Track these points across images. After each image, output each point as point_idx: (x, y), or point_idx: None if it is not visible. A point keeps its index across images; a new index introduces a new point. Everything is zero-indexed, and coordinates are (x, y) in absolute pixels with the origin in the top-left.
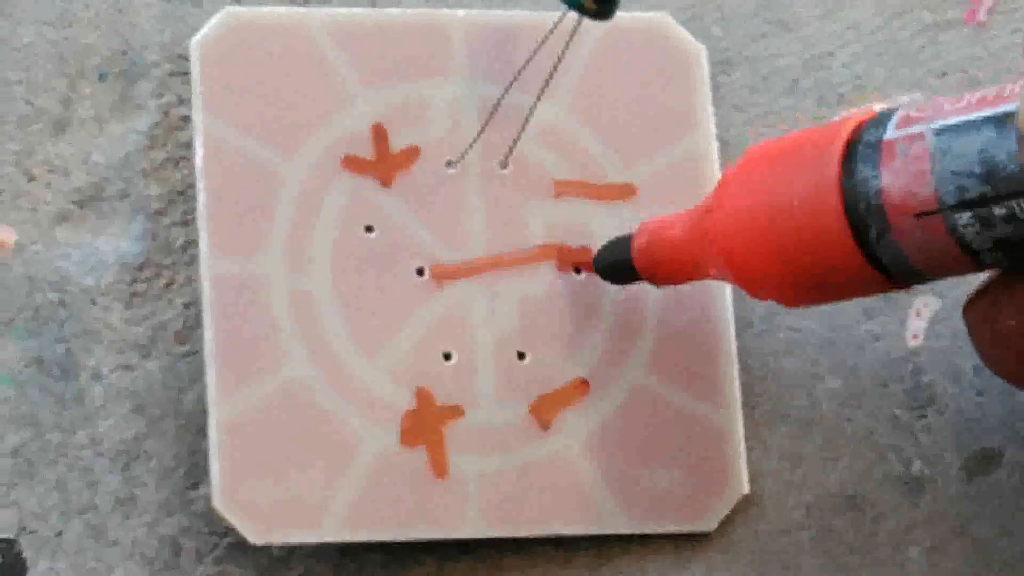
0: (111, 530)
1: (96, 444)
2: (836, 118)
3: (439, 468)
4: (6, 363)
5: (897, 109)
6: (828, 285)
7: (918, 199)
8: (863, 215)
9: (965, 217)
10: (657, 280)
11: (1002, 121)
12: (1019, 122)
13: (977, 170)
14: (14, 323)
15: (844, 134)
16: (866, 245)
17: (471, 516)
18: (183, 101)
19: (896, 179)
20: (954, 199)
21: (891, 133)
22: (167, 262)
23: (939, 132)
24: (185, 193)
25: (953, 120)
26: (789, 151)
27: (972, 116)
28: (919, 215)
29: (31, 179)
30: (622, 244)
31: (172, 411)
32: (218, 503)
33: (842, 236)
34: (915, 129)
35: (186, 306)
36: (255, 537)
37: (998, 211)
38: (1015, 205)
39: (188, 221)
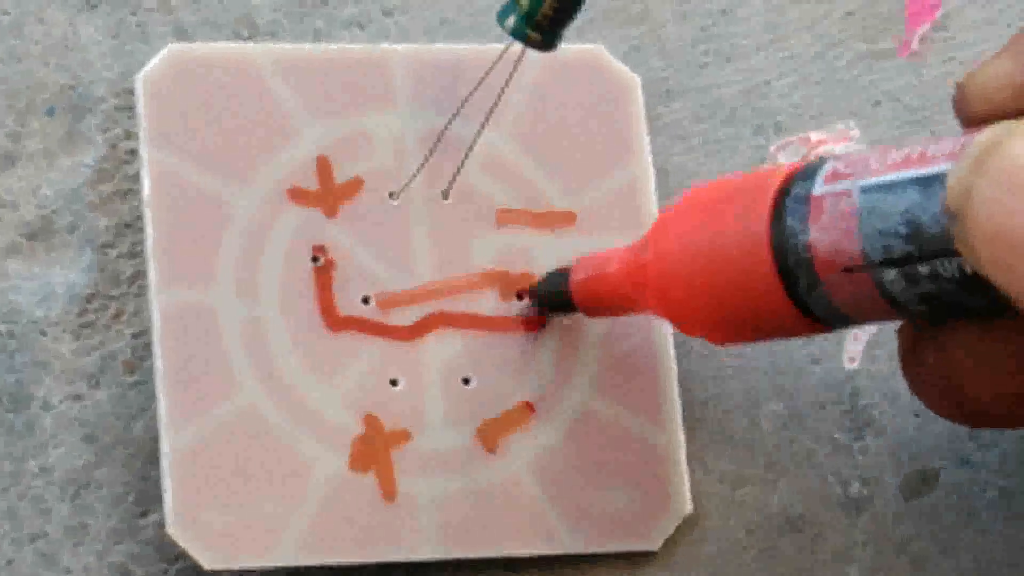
0: (62, 558)
1: (47, 473)
2: (766, 165)
3: (388, 492)
4: None
5: (826, 161)
6: (759, 328)
7: (846, 255)
8: (792, 268)
9: (892, 273)
10: (592, 313)
11: (927, 183)
12: (949, 199)
13: (902, 230)
14: None
15: (774, 184)
16: (796, 295)
17: (423, 538)
18: (130, 135)
19: (824, 235)
20: (880, 256)
21: (819, 188)
22: (116, 293)
23: (866, 190)
24: (133, 225)
25: (879, 179)
26: (722, 198)
27: (898, 176)
28: (846, 270)
29: None
30: (559, 277)
31: (122, 440)
32: (172, 529)
33: (772, 287)
34: (842, 186)
35: (135, 336)
36: (209, 563)
37: (922, 269)
38: (939, 264)
39: (136, 253)
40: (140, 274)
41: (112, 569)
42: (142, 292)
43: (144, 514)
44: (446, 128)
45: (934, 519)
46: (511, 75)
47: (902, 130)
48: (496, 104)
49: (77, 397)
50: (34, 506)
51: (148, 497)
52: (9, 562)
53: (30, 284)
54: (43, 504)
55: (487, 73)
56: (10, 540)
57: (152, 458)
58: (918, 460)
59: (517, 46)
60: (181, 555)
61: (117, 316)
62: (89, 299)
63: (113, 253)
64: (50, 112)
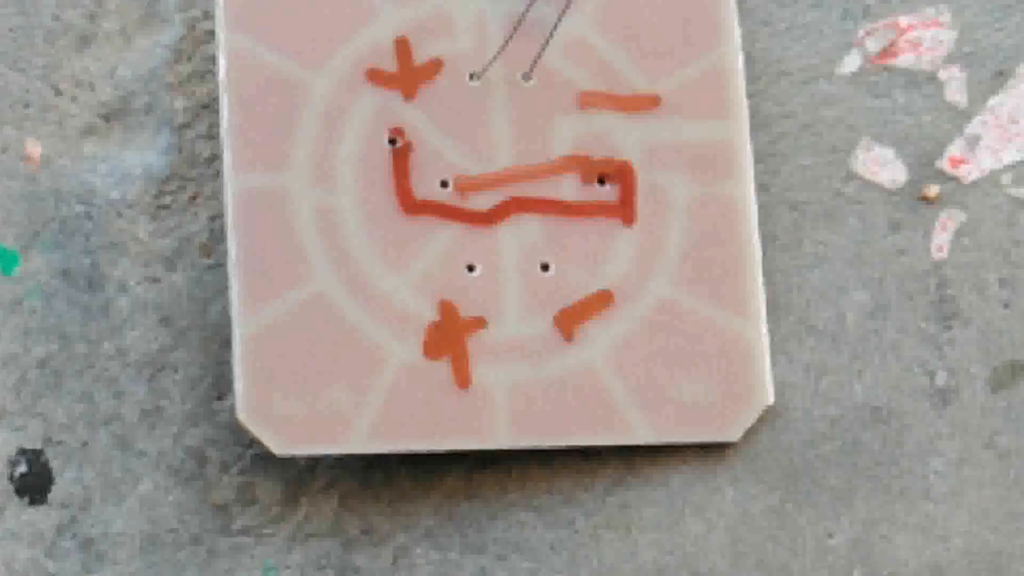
0: (137, 441)
1: (122, 355)
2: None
3: (462, 379)
4: (33, 275)
5: None
6: None
7: None
8: None
9: None
10: None
11: None
12: None
13: None
14: (41, 235)
15: None
16: None
17: (496, 427)
18: (208, 15)
19: None
20: None
21: None
22: (193, 175)
23: None
24: (210, 107)
25: None
26: None
27: None
28: None
29: (58, 93)
30: None
31: (198, 323)
32: (242, 415)
33: None
34: None
35: (211, 219)
36: (279, 449)
37: None
38: None
39: (214, 134)
40: (218, 156)
41: (187, 453)
42: (219, 174)
43: (220, 398)
44: (528, 9)
45: (1022, 412)
46: None
47: (994, 16)
48: None
49: (153, 279)
50: (109, 388)
51: (224, 381)
52: (84, 444)
53: (106, 165)
54: (118, 387)
55: None
56: (85, 423)
57: (228, 342)
58: (1007, 351)
59: None
60: (256, 441)
61: (194, 198)
62: (166, 181)
63: (191, 134)
64: None
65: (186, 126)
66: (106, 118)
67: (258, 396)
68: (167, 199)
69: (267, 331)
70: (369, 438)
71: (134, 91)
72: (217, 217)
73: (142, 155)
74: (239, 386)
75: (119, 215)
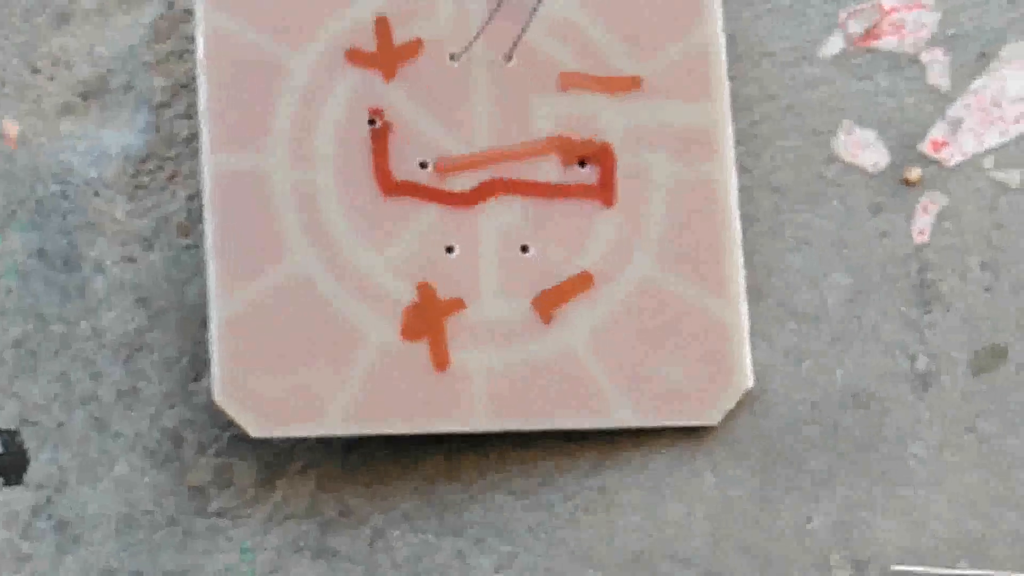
0: (113, 422)
1: (99, 336)
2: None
3: (440, 361)
4: (9, 255)
5: None
6: None
7: None
8: None
9: None
10: None
11: None
12: None
13: None
14: (17, 215)
15: None
16: None
17: (475, 409)
18: None
19: None
20: None
21: None
22: (170, 155)
23: None
24: (189, 86)
25: None
26: None
27: None
28: None
29: (35, 71)
30: None
31: (175, 303)
32: (219, 396)
33: None
34: None
35: (189, 198)
36: (256, 430)
37: None
38: None
39: (192, 114)
40: (196, 136)
41: (164, 434)
42: (197, 154)
43: (197, 379)
44: None
45: (1003, 396)
46: None
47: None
48: None
49: (130, 260)
50: (85, 369)
51: (201, 362)
52: (60, 425)
53: (84, 144)
54: (94, 367)
55: None
56: (61, 403)
57: (205, 323)
58: (988, 335)
59: None
60: (233, 422)
61: (172, 178)
62: (144, 160)
63: (169, 114)
64: None
65: (164, 105)
66: (84, 97)
67: (235, 377)
68: (144, 179)
69: (244, 312)
70: (346, 420)
71: (112, 70)
72: (195, 197)
73: (120, 134)
74: (216, 367)
75: (96, 194)
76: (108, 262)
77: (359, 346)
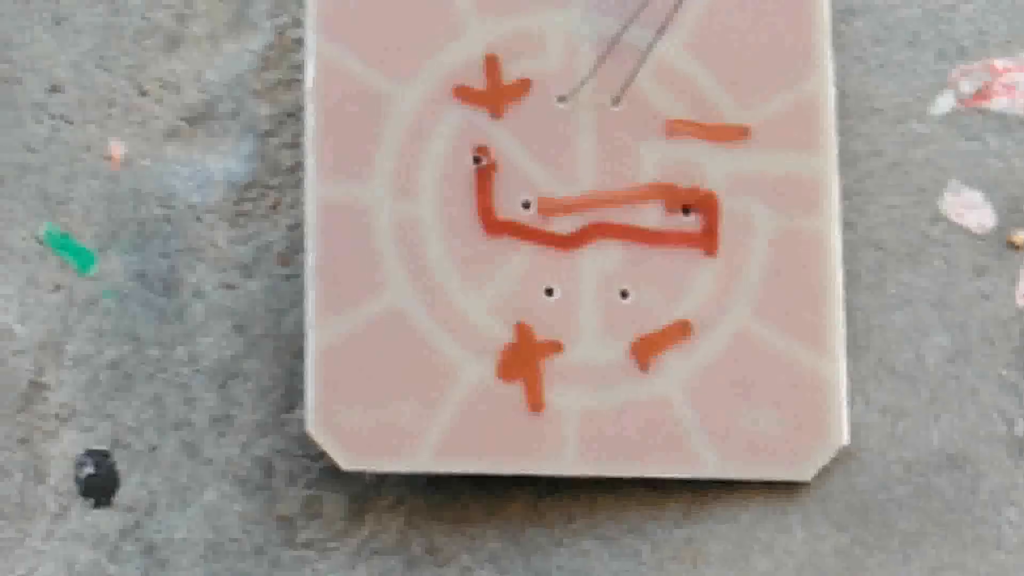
0: (205, 448)
1: (195, 361)
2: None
3: (535, 402)
4: (109, 276)
5: None
6: None
7: None
8: None
9: None
10: None
11: None
12: None
13: None
14: (119, 237)
15: None
16: None
17: (566, 453)
18: (298, 23)
19: None
20: None
21: None
22: (274, 183)
23: None
24: (295, 115)
25: None
26: None
27: None
28: None
29: (143, 94)
30: None
31: (272, 332)
32: (312, 427)
33: None
34: None
35: (291, 228)
36: (347, 463)
37: None
38: None
39: (297, 143)
40: (300, 165)
41: (255, 463)
42: (300, 183)
43: (290, 409)
44: (622, 32)
45: None
46: None
47: None
48: (675, 11)
49: (230, 286)
50: (180, 394)
51: (295, 392)
52: (152, 448)
53: (188, 169)
54: (189, 392)
55: None
56: (154, 427)
57: (301, 353)
58: None
59: None
60: (324, 454)
61: (274, 207)
62: (247, 188)
63: (274, 142)
64: None
65: (270, 133)
66: (190, 122)
67: (328, 408)
68: (247, 206)
69: (341, 343)
70: (437, 457)
71: (219, 96)
72: (296, 227)
73: (224, 161)
74: (310, 397)
75: (198, 219)
76: (207, 288)
77: (453, 383)
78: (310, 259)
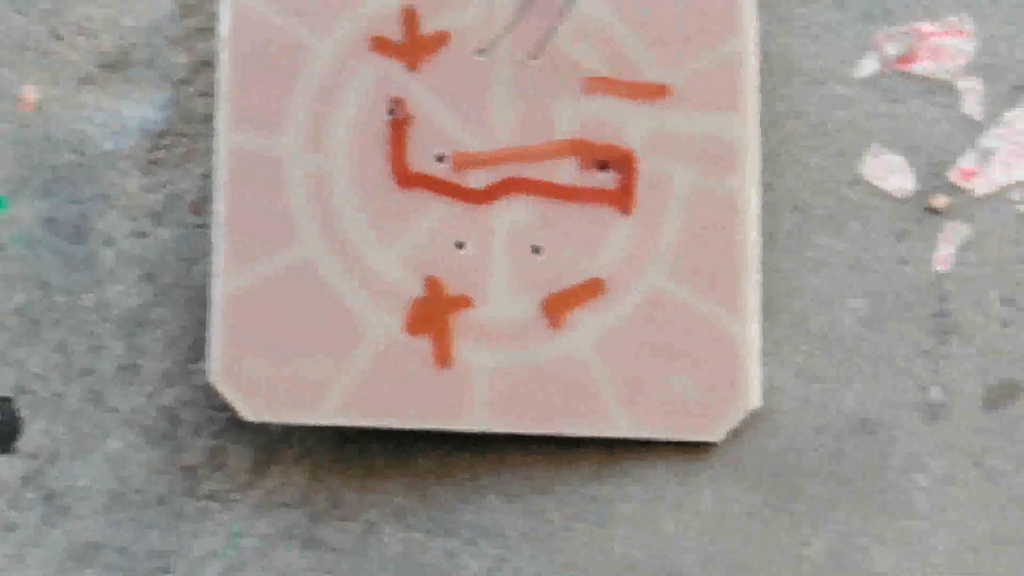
0: (111, 397)
1: (103, 309)
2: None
3: (443, 358)
4: (18, 222)
5: None
6: None
7: None
8: None
9: None
10: None
11: None
12: None
13: None
14: (29, 182)
15: None
16: None
17: (475, 409)
18: None
19: None
20: None
21: None
22: (188, 131)
23: None
24: (211, 64)
25: None
26: None
27: None
28: None
29: (58, 38)
30: None
31: (182, 282)
32: (214, 377)
33: None
34: None
35: (204, 177)
36: (250, 414)
37: None
38: None
39: (213, 92)
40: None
41: (161, 412)
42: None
43: (197, 359)
44: None
45: (1014, 432)
46: None
47: (1018, 28)
48: None
49: (140, 234)
50: (86, 341)
51: (203, 342)
52: (56, 395)
53: (102, 115)
54: (96, 340)
55: None
56: (59, 374)
57: None
58: (1003, 370)
59: None
60: (228, 404)
61: (188, 155)
62: (161, 135)
63: (190, 90)
64: None
65: (186, 82)
66: (105, 68)
67: (232, 359)
68: (160, 154)
69: (247, 293)
70: (342, 410)
71: (135, 43)
72: (209, 176)
73: (139, 108)
74: (214, 347)
75: (111, 167)
76: (118, 235)
77: (361, 337)
78: (219, 208)
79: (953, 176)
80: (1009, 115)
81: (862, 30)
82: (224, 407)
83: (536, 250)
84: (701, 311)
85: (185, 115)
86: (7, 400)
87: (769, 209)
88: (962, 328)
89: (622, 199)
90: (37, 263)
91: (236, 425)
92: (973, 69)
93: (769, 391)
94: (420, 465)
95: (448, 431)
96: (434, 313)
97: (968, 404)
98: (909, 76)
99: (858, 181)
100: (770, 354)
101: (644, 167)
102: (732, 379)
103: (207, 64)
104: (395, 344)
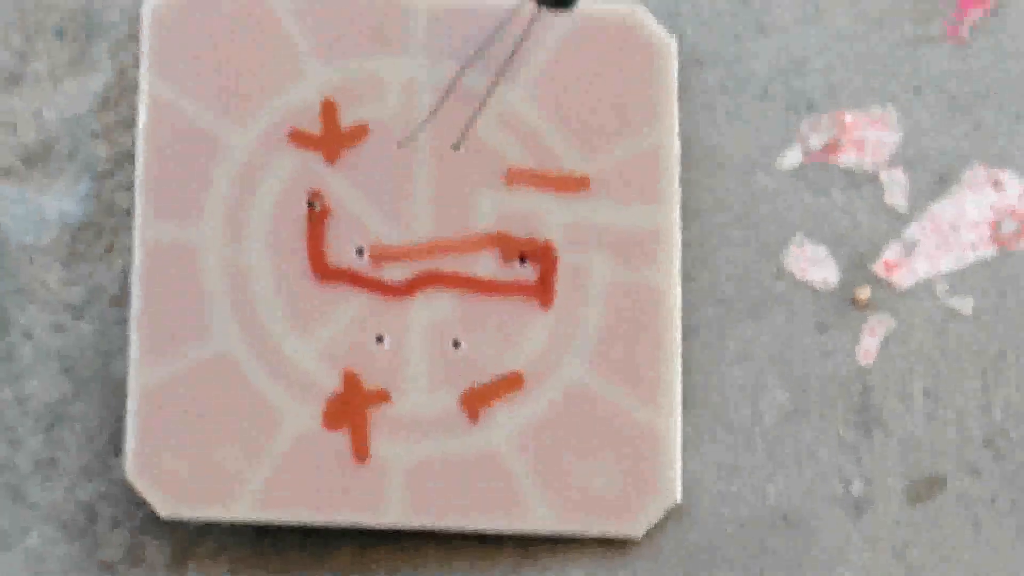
0: (29, 492)
1: (21, 403)
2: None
3: (360, 452)
4: None
5: None
6: None
7: None
8: None
9: None
10: None
11: None
12: None
13: None
14: None
15: None
16: None
17: (392, 504)
18: (139, 62)
19: None
20: None
21: None
22: (109, 224)
23: None
24: (133, 156)
25: None
26: None
27: None
28: None
29: None
30: None
31: (100, 375)
32: (130, 472)
33: None
34: None
35: (125, 270)
36: (165, 510)
37: None
38: None
39: (134, 185)
40: None
41: (79, 507)
42: None
43: (116, 454)
44: (458, 76)
45: (937, 527)
46: (525, 30)
47: (941, 119)
48: (512, 57)
49: (59, 328)
50: (5, 436)
51: (122, 436)
52: None
53: (22, 208)
54: (14, 435)
55: (498, 27)
56: None
57: None
58: (926, 465)
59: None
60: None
61: (109, 249)
62: (82, 228)
63: (111, 183)
64: (59, 34)
65: (107, 174)
66: (26, 161)
67: (147, 454)
68: (81, 247)
69: (163, 387)
70: (259, 506)
71: (57, 136)
72: (130, 269)
73: (60, 201)
74: (129, 443)
75: (30, 260)
76: (37, 329)
77: (277, 431)
78: (136, 299)
79: (877, 268)
80: (933, 207)
81: (786, 120)
82: (142, 502)
83: (456, 344)
84: (621, 404)
85: (106, 208)
86: None
87: (691, 302)
88: (885, 421)
89: (542, 292)
90: None
91: (153, 520)
92: (897, 160)
93: (690, 485)
94: (338, 559)
95: (366, 527)
96: (352, 408)
97: (891, 498)
98: (833, 167)
99: (782, 273)
100: (691, 447)
101: (564, 259)
102: (653, 474)
103: (128, 157)
104: (312, 439)
